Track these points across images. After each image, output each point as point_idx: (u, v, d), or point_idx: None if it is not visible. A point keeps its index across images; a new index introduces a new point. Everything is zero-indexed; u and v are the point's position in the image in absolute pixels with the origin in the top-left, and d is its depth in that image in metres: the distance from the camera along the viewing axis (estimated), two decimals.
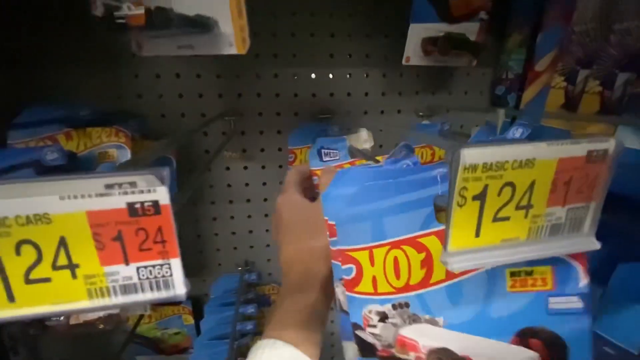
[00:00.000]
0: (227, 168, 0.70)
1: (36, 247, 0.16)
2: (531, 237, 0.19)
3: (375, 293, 0.29)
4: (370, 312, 0.30)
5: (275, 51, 0.64)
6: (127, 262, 0.16)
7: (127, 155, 0.48)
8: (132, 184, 0.15)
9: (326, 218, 0.31)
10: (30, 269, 0.16)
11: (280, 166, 0.71)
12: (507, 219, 0.18)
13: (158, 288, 0.17)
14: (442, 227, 0.24)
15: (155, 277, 0.17)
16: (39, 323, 0.46)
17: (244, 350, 0.59)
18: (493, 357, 0.27)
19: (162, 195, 0.16)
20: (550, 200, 0.18)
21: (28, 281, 0.16)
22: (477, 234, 0.18)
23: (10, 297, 0.16)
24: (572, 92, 0.56)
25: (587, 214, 0.19)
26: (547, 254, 0.19)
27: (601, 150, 0.18)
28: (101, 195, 0.15)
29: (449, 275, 0.25)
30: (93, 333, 0.51)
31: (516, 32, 0.67)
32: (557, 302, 0.26)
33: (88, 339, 0.69)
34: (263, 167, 0.71)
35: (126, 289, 0.17)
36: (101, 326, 0.47)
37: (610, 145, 0.18)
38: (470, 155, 0.16)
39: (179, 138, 0.45)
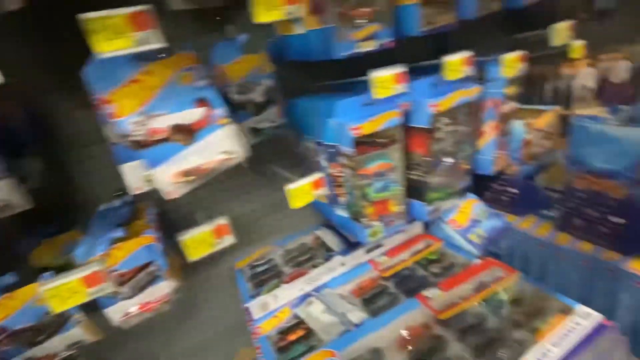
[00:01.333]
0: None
1: None
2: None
3: (130, 114, 0.62)
4: (131, 123, 0.62)
5: None
6: None
7: None
8: None
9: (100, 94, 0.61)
10: None
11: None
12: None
13: None
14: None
15: None
16: None
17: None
18: (185, 118, 0.63)
19: None
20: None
21: None
22: None
23: None
24: None
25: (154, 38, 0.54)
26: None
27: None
28: None
29: (156, 92, 0.60)
30: None
31: None
32: (199, 83, 0.64)
33: None
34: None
35: None
36: None
37: None
38: None
39: None
